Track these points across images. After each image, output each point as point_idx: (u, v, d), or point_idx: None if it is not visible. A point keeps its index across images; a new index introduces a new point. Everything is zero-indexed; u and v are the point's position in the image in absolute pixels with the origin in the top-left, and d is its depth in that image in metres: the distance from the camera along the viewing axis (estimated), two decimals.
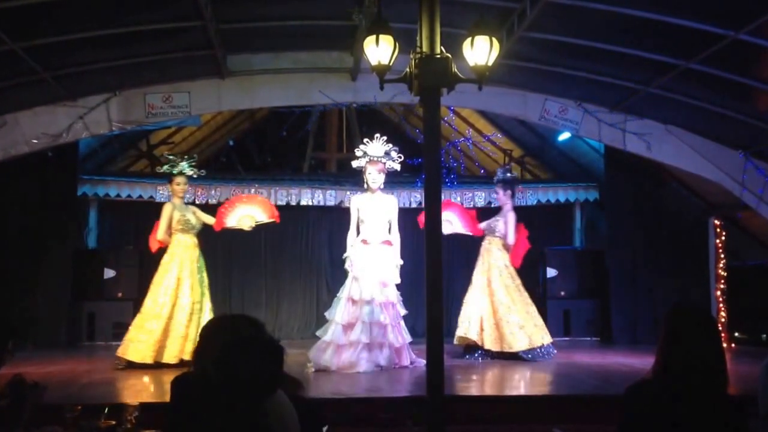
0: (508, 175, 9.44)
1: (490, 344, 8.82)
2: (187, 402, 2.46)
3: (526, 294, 9.09)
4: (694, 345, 2.64)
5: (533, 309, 9.06)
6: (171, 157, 8.76)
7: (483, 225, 9.22)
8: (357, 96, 10.01)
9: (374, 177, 8.21)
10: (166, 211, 8.46)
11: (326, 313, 8.23)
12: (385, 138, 8.42)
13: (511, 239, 9.05)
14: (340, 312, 7.89)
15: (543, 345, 8.88)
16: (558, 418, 5.88)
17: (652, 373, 2.70)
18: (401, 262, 8.31)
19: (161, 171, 8.79)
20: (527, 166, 14.12)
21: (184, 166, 8.57)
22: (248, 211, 8.61)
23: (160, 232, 8.39)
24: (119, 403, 3.47)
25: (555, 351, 8.96)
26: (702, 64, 7.99)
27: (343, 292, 8.01)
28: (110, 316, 10.80)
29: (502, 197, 9.25)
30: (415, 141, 12.30)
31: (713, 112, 9.23)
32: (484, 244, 9.22)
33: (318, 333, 8.17)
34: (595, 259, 11.81)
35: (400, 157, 8.37)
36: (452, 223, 8.95)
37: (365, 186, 8.38)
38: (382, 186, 8.33)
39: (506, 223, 9.06)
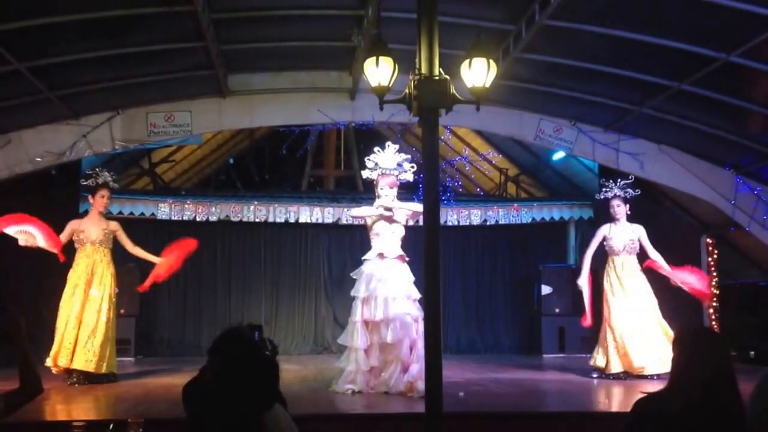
0: None
1: None
2: (193, 408, 2.59)
3: None
4: (702, 364, 2.74)
5: None
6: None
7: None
8: (355, 115, 10.14)
9: (386, 192, 7.55)
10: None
11: (339, 340, 7.77)
12: (397, 147, 7.84)
13: None
14: (357, 337, 7.24)
15: None
16: None
17: (665, 389, 2.82)
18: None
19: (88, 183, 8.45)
20: (522, 184, 14.26)
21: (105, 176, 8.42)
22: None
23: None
24: (123, 420, 3.46)
25: None
26: (694, 85, 8.15)
27: (356, 316, 7.34)
28: None
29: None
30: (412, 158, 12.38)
31: (705, 132, 9.38)
32: None
33: (338, 363, 7.54)
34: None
35: (413, 167, 7.66)
36: None
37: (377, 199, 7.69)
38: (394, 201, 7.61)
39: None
